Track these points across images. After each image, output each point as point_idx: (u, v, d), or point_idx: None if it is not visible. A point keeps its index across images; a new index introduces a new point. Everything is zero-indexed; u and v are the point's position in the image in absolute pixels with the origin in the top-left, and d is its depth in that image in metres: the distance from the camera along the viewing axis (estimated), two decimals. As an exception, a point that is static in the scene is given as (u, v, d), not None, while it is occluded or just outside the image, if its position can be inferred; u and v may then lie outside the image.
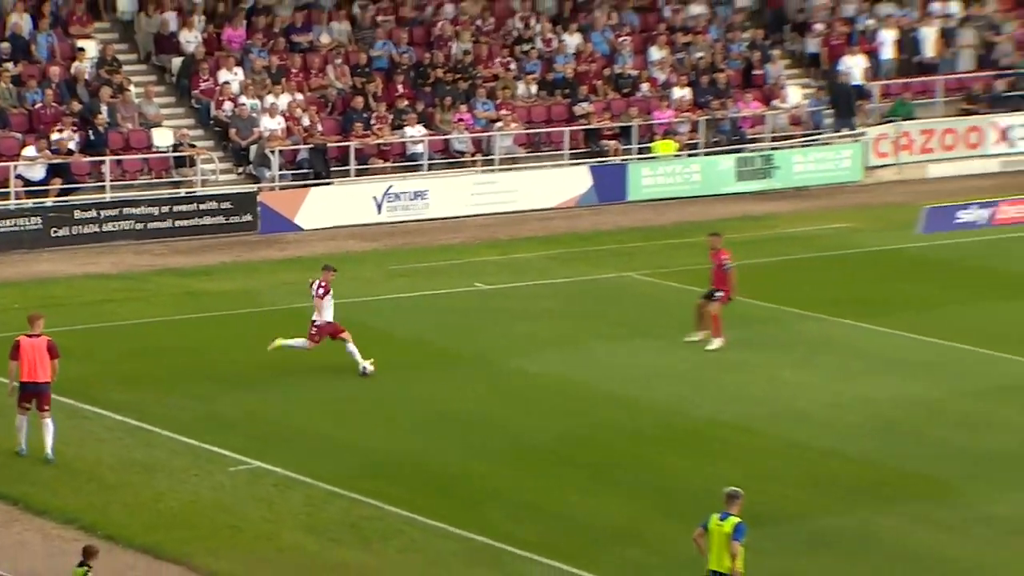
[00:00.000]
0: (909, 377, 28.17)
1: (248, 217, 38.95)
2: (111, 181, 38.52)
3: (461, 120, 42.07)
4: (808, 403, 26.87)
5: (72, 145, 38.61)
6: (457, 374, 28.45)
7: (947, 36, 47.61)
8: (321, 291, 28.12)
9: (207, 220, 38.54)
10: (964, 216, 38.60)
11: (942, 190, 42.71)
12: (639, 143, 42.96)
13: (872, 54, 46.46)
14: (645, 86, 44.37)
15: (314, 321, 28.07)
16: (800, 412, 26.43)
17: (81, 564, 18.16)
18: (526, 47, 44.52)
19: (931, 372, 28.47)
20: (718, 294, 29.57)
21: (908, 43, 47.08)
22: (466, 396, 27.34)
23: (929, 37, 47.32)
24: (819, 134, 44.73)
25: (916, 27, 47.45)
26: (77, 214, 37.68)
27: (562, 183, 41.77)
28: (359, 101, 41.47)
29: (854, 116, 44.77)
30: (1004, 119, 46.12)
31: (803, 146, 44.33)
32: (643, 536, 21.62)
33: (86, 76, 40.20)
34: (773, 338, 30.44)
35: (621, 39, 45.31)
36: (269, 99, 40.83)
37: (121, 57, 41.69)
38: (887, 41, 46.78)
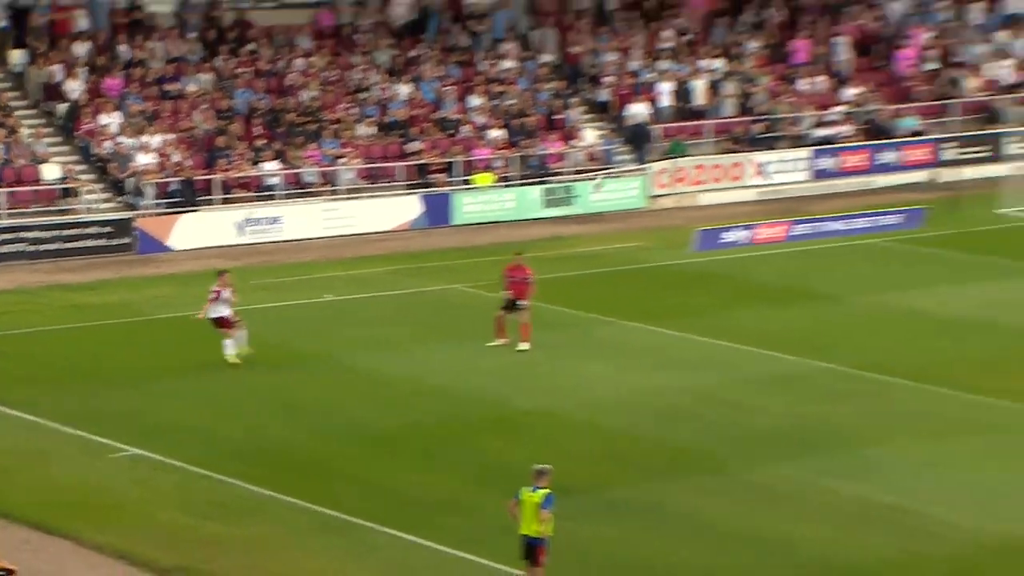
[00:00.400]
0: (688, 370, 28.46)
1: (127, 240, 38.35)
2: (7, 210, 37.70)
3: (311, 156, 41.76)
4: (605, 393, 27.02)
5: (-28, 178, 37.74)
6: (309, 371, 28.21)
7: (714, 87, 48.33)
8: (213, 295, 28.02)
9: (91, 242, 37.92)
10: (729, 236, 39.24)
11: (711, 215, 43.33)
12: (462, 176, 43.00)
13: (653, 101, 47.01)
14: (466, 128, 44.41)
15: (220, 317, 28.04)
16: (598, 400, 26.57)
17: (-19, 541, 17.70)
18: (365, 94, 44.34)
19: (706, 366, 28.77)
20: (522, 303, 29.47)
21: (682, 93, 47.72)
22: (317, 390, 27.13)
23: (699, 88, 47.97)
24: (611, 168, 45.11)
25: (688, 79, 48.10)
26: (-24, 238, 36.93)
27: (397, 210, 41.64)
28: (222, 140, 41.02)
29: (647, 152, 45.30)
30: (760, 156, 46.85)
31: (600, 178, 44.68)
32: (466, 507, 21.59)
33: (-17, 119, 39.30)
34: (575, 339, 30.57)
35: (445, 88, 45.31)
36: (144, 138, 40.20)
37: (14, 103, 40.83)
38: (665, 91, 47.33)
